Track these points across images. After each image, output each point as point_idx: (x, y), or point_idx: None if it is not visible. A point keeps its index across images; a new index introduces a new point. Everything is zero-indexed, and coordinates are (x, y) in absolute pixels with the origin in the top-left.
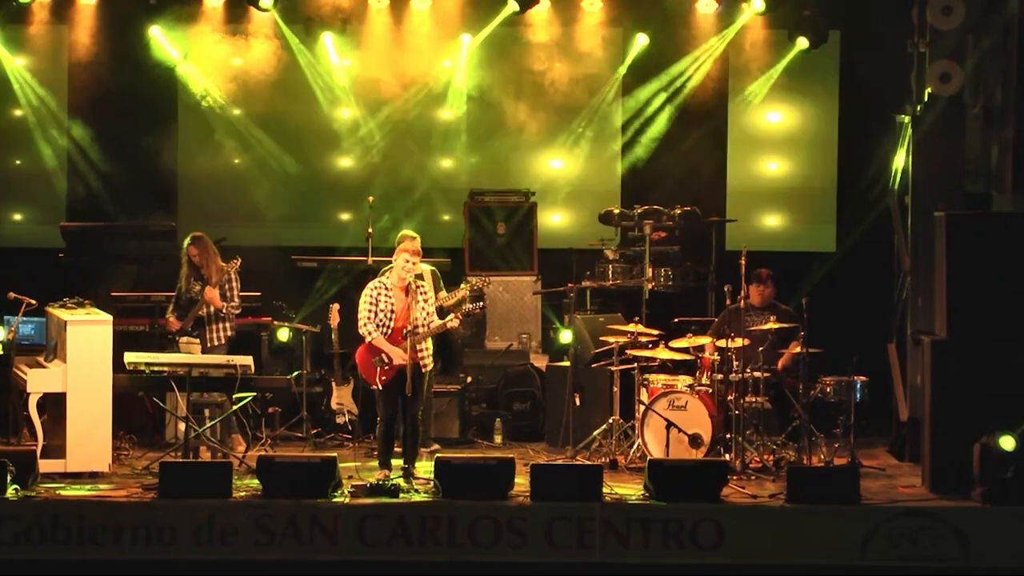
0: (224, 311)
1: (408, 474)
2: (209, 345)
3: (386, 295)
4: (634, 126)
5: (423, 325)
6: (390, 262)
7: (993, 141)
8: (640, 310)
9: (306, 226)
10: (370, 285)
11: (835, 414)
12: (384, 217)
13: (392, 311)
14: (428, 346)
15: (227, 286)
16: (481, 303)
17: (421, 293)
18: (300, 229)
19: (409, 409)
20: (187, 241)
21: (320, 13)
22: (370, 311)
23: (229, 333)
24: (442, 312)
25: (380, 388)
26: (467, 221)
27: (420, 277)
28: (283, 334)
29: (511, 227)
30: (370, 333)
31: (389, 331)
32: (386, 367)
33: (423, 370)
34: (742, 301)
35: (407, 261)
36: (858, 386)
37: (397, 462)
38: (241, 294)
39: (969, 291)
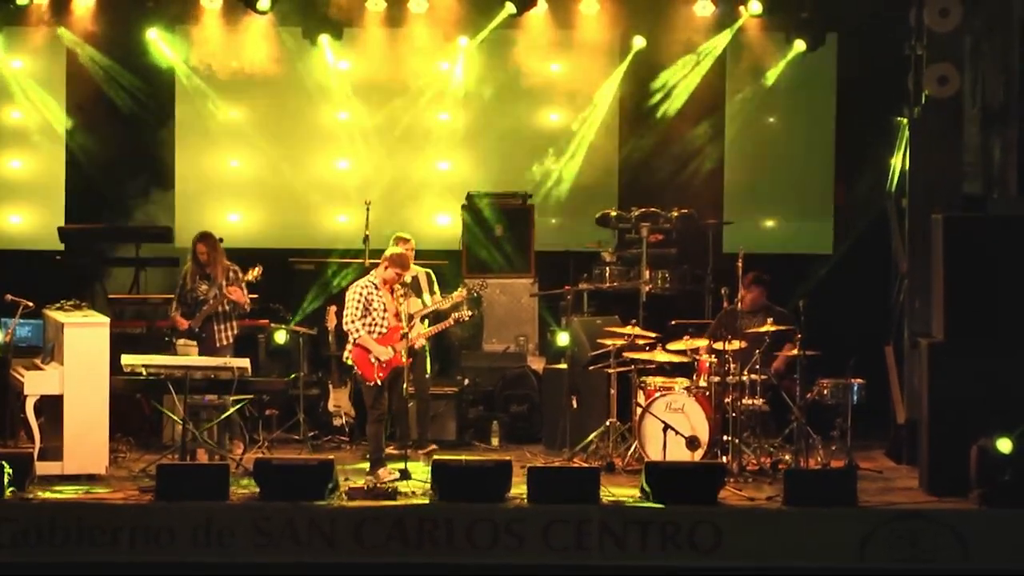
0: (245, 308)
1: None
2: (218, 345)
3: (377, 295)
4: (631, 128)
5: (410, 326)
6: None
7: (994, 143)
8: (637, 312)
9: (303, 228)
10: (359, 284)
11: (832, 416)
12: (381, 219)
13: (385, 310)
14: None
15: (239, 285)
16: (471, 313)
17: (402, 292)
18: (297, 231)
19: (396, 405)
20: (195, 238)
21: (318, 16)
22: (356, 310)
23: (236, 332)
24: (438, 315)
25: (378, 384)
26: (464, 223)
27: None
28: (280, 336)
29: (508, 229)
30: (357, 331)
31: (385, 330)
32: (383, 364)
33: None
34: (738, 303)
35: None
36: (855, 388)
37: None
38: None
39: (966, 293)
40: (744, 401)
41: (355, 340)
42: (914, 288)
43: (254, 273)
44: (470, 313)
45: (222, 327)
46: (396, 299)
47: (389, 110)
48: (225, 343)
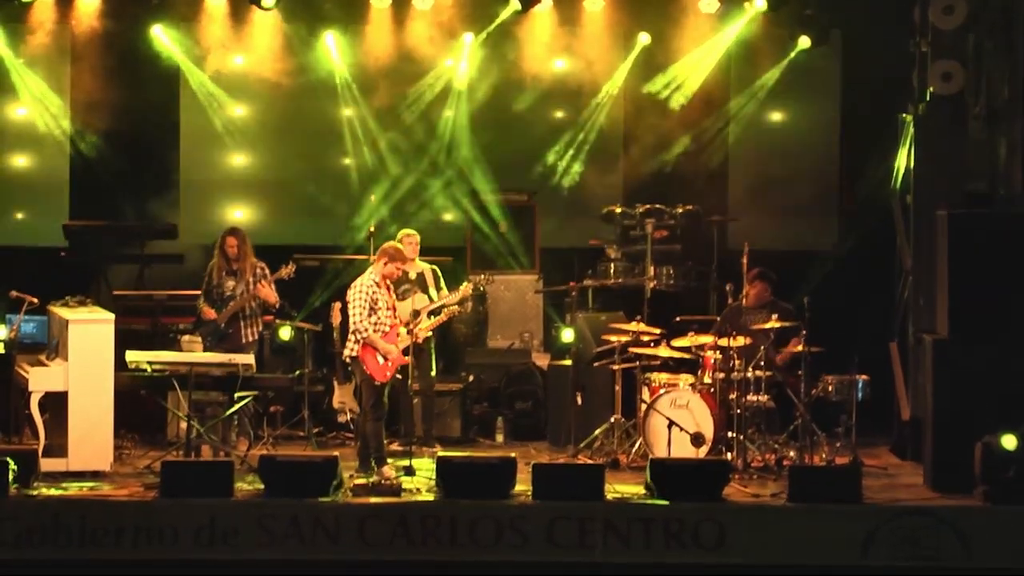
0: (274, 307)
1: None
2: (244, 342)
3: (380, 293)
4: (636, 124)
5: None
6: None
7: (999, 140)
8: (642, 309)
9: (308, 224)
10: (364, 283)
11: (837, 413)
12: (386, 216)
13: (389, 308)
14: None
15: (268, 283)
16: (458, 309)
17: (408, 288)
18: (302, 227)
19: (401, 402)
20: (225, 232)
21: (322, 12)
22: (364, 309)
23: (261, 328)
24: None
25: (386, 382)
26: (469, 220)
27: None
28: (285, 333)
29: (513, 226)
30: (366, 330)
31: (387, 328)
32: (390, 362)
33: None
34: (743, 300)
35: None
36: (860, 385)
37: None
38: None
39: (971, 290)
40: (749, 397)
41: (363, 340)
42: (918, 285)
43: (287, 270)
44: (458, 311)
45: (248, 324)
46: (392, 295)
47: (394, 106)
48: (251, 339)
